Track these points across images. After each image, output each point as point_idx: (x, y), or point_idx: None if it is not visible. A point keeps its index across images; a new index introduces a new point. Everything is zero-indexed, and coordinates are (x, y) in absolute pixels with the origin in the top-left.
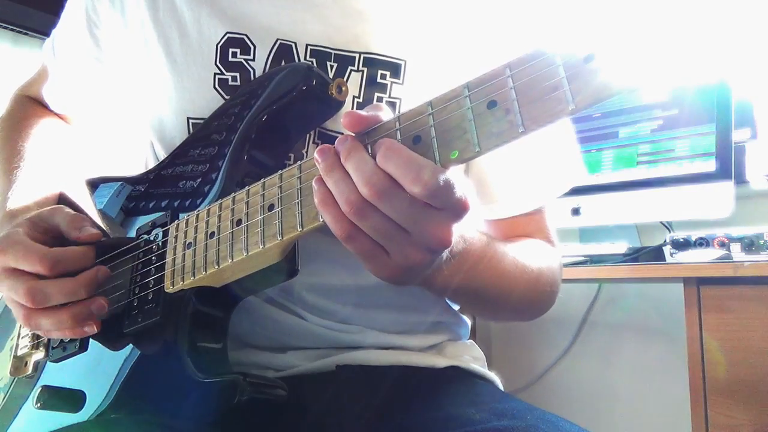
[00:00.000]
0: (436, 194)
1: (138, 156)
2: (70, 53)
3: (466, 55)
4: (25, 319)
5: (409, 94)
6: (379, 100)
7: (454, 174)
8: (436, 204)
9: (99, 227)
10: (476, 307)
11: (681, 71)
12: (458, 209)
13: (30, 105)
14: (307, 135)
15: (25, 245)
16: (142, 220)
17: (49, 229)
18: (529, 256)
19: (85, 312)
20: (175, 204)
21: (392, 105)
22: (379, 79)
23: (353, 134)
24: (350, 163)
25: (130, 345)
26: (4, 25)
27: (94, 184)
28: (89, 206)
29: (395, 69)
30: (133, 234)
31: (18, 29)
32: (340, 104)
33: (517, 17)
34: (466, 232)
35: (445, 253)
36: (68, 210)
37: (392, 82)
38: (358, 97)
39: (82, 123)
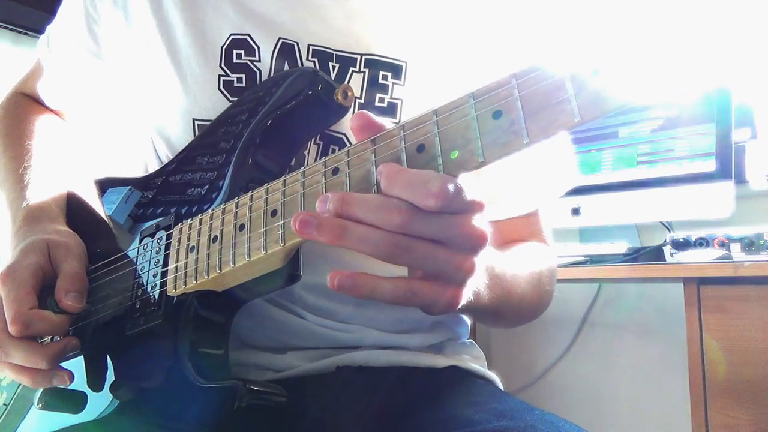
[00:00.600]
0: (451, 202)
1: (137, 153)
2: (67, 48)
3: (468, 56)
4: None
5: (411, 96)
6: (381, 101)
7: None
8: (454, 210)
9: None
10: (491, 322)
11: (687, 84)
12: (476, 208)
13: (27, 102)
14: (310, 140)
15: (17, 290)
16: (147, 225)
17: (57, 266)
18: (534, 262)
19: (46, 381)
20: (183, 211)
21: (393, 106)
22: (380, 80)
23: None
24: (357, 211)
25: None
26: (4, 25)
27: (102, 186)
28: (98, 205)
29: (396, 70)
30: (138, 237)
31: (18, 29)
32: (346, 110)
33: (518, 19)
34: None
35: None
36: (76, 264)
37: (393, 83)
38: (360, 98)
39: (79, 119)
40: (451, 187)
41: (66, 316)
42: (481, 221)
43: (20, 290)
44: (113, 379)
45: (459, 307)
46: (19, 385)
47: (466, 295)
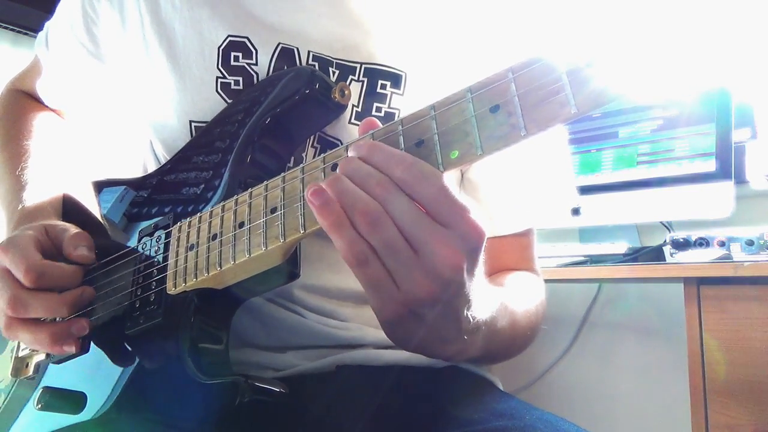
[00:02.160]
0: (426, 180)
1: (136, 154)
2: (66, 48)
3: (467, 67)
4: (5, 327)
5: (409, 105)
6: (378, 110)
7: (454, 188)
8: (435, 209)
9: (104, 231)
10: (483, 362)
11: (682, 76)
12: (467, 231)
13: (24, 100)
14: (308, 139)
15: (22, 250)
16: (145, 225)
17: (57, 241)
18: (530, 302)
19: (65, 332)
20: (178, 210)
21: (391, 116)
22: (379, 89)
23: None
24: (346, 168)
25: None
26: (4, 25)
27: (99, 187)
28: (94, 206)
29: (396, 80)
30: (135, 237)
31: (18, 29)
32: (343, 108)
33: (518, 30)
34: (491, 299)
35: (467, 324)
36: (76, 229)
37: (392, 93)
38: (357, 106)
39: (78, 119)
40: (432, 171)
41: (78, 267)
42: (465, 254)
43: (25, 249)
44: (114, 378)
45: (402, 320)
46: (12, 385)
47: (423, 326)
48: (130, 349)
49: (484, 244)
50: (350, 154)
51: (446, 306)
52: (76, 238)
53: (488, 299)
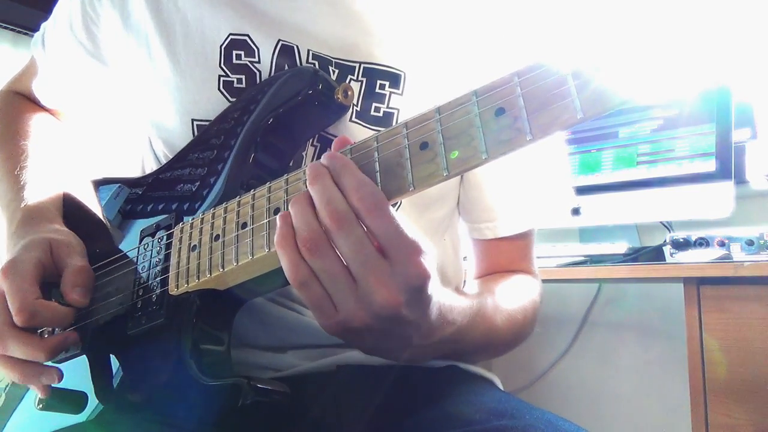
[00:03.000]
0: (378, 211)
1: (134, 152)
2: (64, 48)
3: (466, 67)
4: None
5: (408, 105)
6: (377, 110)
7: (409, 228)
8: (383, 240)
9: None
10: (460, 360)
11: (687, 81)
12: (411, 271)
13: (20, 101)
14: (309, 140)
15: (20, 281)
16: (141, 223)
17: (60, 263)
18: (517, 302)
19: (35, 377)
20: (173, 207)
21: (389, 115)
22: (378, 89)
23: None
24: (314, 188)
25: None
26: (4, 25)
27: (97, 184)
28: (94, 205)
29: (395, 79)
30: (132, 236)
31: (18, 29)
32: (346, 109)
33: (517, 30)
34: (456, 316)
35: (420, 341)
36: (81, 260)
37: (391, 93)
38: (356, 106)
39: (75, 119)
40: (386, 203)
41: (71, 309)
42: (407, 293)
43: (24, 282)
44: (116, 378)
45: (343, 336)
46: (7, 385)
47: (358, 339)
48: (132, 349)
49: (429, 282)
50: (323, 162)
51: (383, 332)
52: (76, 275)
53: (450, 317)
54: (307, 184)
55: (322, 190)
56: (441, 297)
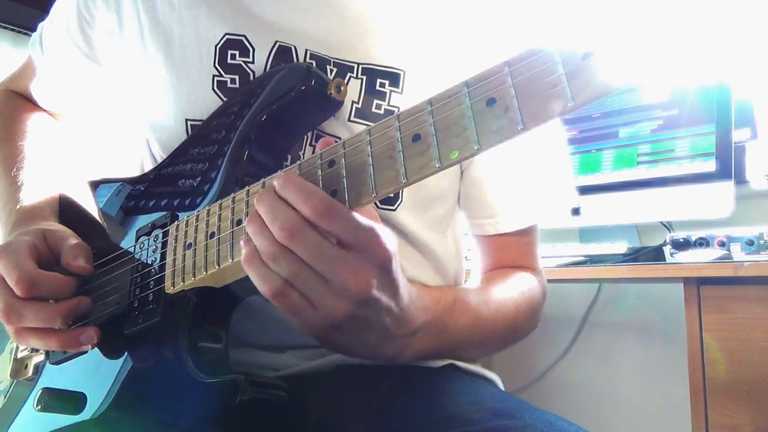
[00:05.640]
0: (329, 216)
1: (133, 154)
2: (60, 50)
3: (465, 64)
4: (12, 334)
5: (408, 103)
6: (378, 107)
7: (364, 218)
8: (341, 236)
9: (101, 230)
10: (455, 357)
11: (680, 69)
12: (374, 252)
13: (17, 100)
14: (305, 136)
15: (17, 258)
16: (142, 219)
17: (55, 248)
18: (507, 296)
19: (73, 341)
20: (175, 203)
21: (391, 113)
22: (378, 87)
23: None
24: (260, 208)
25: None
26: (4, 25)
27: (95, 185)
28: (91, 206)
29: (394, 78)
30: (132, 234)
31: (18, 29)
32: (339, 104)
33: (515, 28)
34: (428, 302)
35: (397, 330)
36: (76, 238)
37: (391, 91)
38: (357, 103)
39: (73, 120)
40: (335, 204)
41: (72, 278)
42: (373, 272)
43: (19, 257)
44: (113, 378)
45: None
46: (10, 386)
47: (344, 337)
48: (129, 348)
49: (393, 261)
50: (274, 183)
51: (364, 320)
52: (75, 248)
53: (421, 304)
54: (257, 202)
55: (266, 209)
56: (408, 284)
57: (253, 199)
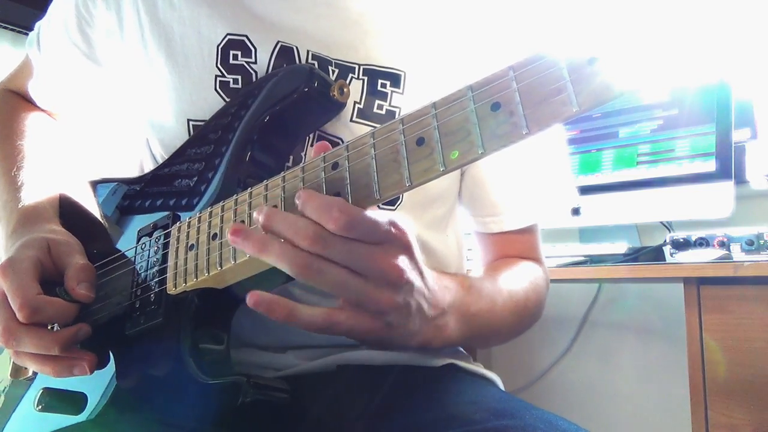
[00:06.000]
0: (354, 228)
1: (132, 154)
2: (58, 50)
3: (466, 65)
4: (10, 354)
5: (410, 104)
6: (380, 107)
7: (377, 213)
8: (365, 238)
9: (102, 230)
10: (468, 344)
11: (683, 72)
12: (394, 236)
13: (15, 100)
14: (307, 137)
15: (21, 279)
16: (139, 219)
17: (60, 262)
18: (516, 283)
19: (67, 370)
20: (171, 203)
21: (392, 114)
22: (379, 88)
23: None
24: (278, 226)
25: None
26: (4, 25)
27: (95, 186)
28: (92, 205)
29: (395, 79)
30: (131, 233)
31: (18, 29)
32: (342, 106)
33: (516, 27)
34: (447, 282)
35: (431, 311)
36: (82, 258)
37: (392, 92)
38: (359, 103)
39: (71, 120)
40: (354, 214)
41: (74, 304)
42: (402, 259)
43: (23, 279)
44: (115, 378)
45: (393, 341)
46: (5, 387)
47: (394, 330)
48: (130, 349)
49: (414, 243)
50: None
51: (407, 307)
52: (80, 272)
53: (443, 283)
54: (269, 227)
55: (292, 223)
56: (426, 266)
57: (255, 200)
